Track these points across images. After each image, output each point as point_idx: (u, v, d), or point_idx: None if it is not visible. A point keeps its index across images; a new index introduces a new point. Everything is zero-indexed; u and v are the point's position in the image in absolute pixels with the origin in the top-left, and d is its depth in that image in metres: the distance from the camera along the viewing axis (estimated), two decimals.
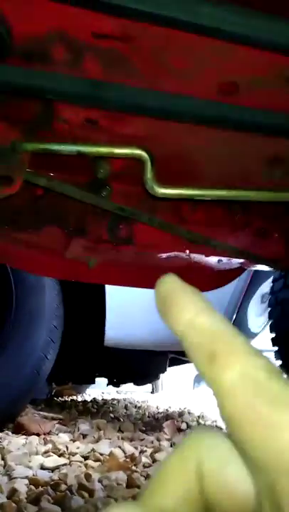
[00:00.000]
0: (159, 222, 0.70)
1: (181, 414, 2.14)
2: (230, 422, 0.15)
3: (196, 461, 0.16)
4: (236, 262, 0.84)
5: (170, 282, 0.19)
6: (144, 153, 0.57)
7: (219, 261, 0.81)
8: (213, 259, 0.81)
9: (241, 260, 0.81)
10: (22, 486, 0.94)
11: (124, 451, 1.27)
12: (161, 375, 2.84)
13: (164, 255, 0.79)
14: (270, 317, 1.66)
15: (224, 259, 0.81)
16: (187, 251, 0.77)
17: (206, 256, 0.78)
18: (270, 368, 0.15)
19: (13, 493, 0.89)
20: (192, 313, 0.17)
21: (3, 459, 1.15)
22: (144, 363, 2.20)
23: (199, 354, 0.16)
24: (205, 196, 0.62)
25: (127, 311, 1.62)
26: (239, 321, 1.79)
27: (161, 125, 0.58)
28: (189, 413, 2.19)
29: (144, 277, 0.93)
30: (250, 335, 1.95)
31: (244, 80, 0.53)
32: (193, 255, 0.79)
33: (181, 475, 0.16)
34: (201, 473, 0.16)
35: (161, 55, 0.49)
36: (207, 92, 0.52)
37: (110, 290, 1.59)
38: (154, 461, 1.22)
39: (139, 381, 2.75)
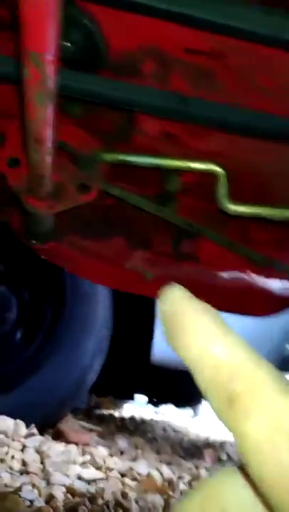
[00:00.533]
0: (226, 240, 0.68)
1: (222, 443, 2.05)
2: (259, 482, 0.12)
3: (218, 510, 0.14)
4: None
5: (177, 297, 0.16)
6: (219, 169, 0.57)
7: (283, 285, 0.78)
8: (276, 283, 0.78)
9: None
10: (59, 494, 0.93)
11: (162, 474, 1.23)
12: (204, 400, 2.75)
13: (225, 275, 0.78)
14: None
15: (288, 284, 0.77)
16: (250, 272, 0.75)
17: (269, 279, 0.76)
18: None
19: (50, 499, 0.89)
20: (205, 341, 0.14)
21: (42, 462, 1.15)
22: (187, 385, 2.15)
23: (215, 395, 0.13)
24: (279, 217, 0.60)
25: None
26: None
27: (238, 142, 0.57)
28: (231, 445, 2.10)
29: (202, 296, 0.91)
30: None
31: None
32: (255, 277, 0.77)
33: None
34: None
35: (249, 73, 0.49)
36: None
37: None
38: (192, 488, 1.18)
39: (180, 403, 2.69)
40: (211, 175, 0.60)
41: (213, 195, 0.61)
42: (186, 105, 0.47)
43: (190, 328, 0.14)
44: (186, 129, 0.57)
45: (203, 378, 0.14)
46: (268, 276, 0.75)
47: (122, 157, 0.57)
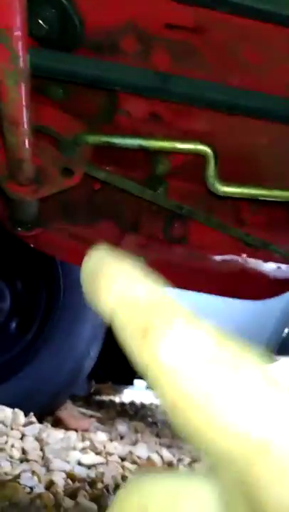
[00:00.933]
0: (217, 222, 0.67)
1: None
2: (174, 412, 0.12)
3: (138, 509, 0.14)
4: None
5: (99, 255, 0.15)
6: (208, 149, 0.55)
7: (278, 268, 0.77)
8: (271, 266, 0.77)
9: None
10: (60, 479, 0.94)
11: (162, 457, 1.25)
12: None
13: (218, 258, 0.77)
14: None
15: (283, 266, 0.76)
16: (243, 255, 0.74)
17: (264, 262, 0.75)
18: (218, 333, 0.12)
19: (50, 485, 0.90)
20: (124, 285, 0.14)
21: (41, 450, 1.16)
22: None
23: (130, 331, 0.13)
24: (269, 197, 0.59)
25: None
26: None
27: (226, 121, 0.55)
28: None
29: (195, 280, 0.91)
30: None
31: None
32: (249, 260, 0.76)
33: None
34: None
35: (234, 48, 0.47)
36: (278, 88, 0.50)
37: None
38: (192, 470, 1.19)
39: None
40: (199, 156, 0.59)
41: (202, 177, 0.60)
42: (168, 83, 0.46)
43: (109, 276, 0.14)
44: (172, 108, 0.55)
45: (120, 320, 0.14)
46: (262, 258, 0.74)
47: (105, 139, 0.55)
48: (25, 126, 0.39)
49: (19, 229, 0.66)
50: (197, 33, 0.46)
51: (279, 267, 0.76)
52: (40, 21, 0.43)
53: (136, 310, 0.13)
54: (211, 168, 0.56)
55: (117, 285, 0.14)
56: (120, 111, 0.57)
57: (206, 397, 0.11)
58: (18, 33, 0.30)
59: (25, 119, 0.39)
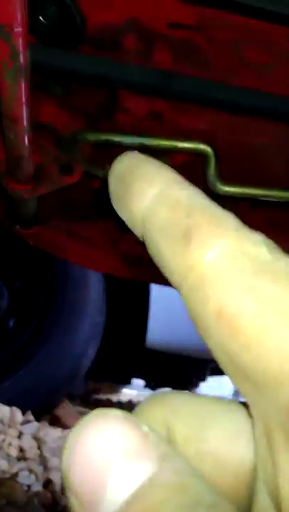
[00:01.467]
0: None
1: None
2: (219, 323, 0.11)
3: (163, 428, 0.13)
4: None
5: (130, 158, 0.14)
6: (208, 149, 0.55)
7: None
8: None
9: None
10: (57, 478, 0.94)
11: None
12: (201, 384, 2.79)
13: None
14: None
15: None
16: None
17: None
18: (270, 243, 0.12)
19: (48, 483, 0.90)
20: (161, 186, 0.12)
21: (39, 448, 1.16)
22: (184, 369, 2.17)
23: (170, 235, 0.12)
24: (270, 197, 0.58)
25: (172, 315, 1.60)
26: None
27: (227, 121, 0.55)
28: None
29: None
30: None
31: None
32: None
33: None
34: (174, 442, 0.12)
35: (237, 47, 0.47)
36: (281, 87, 0.50)
37: (156, 291, 1.58)
38: None
39: (177, 387, 2.72)
40: (200, 155, 0.59)
41: (202, 177, 0.60)
42: (170, 82, 0.45)
43: (144, 178, 0.13)
44: (173, 107, 0.55)
45: (156, 224, 0.12)
46: None
47: (105, 137, 0.55)
48: (25, 123, 0.39)
49: (18, 227, 0.65)
50: (199, 32, 0.45)
51: None
52: (41, 18, 0.42)
53: (179, 211, 0.12)
54: (212, 168, 0.56)
55: (155, 188, 0.13)
56: (120, 108, 0.57)
57: (257, 311, 0.10)
58: (18, 30, 0.30)
59: (24, 116, 0.39)
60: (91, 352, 1.51)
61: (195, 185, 0.62)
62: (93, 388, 2.77)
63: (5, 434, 1.24)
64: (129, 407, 2.53)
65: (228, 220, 0.12)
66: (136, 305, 1.73)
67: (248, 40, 0.46)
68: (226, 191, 0.57)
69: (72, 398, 2.26)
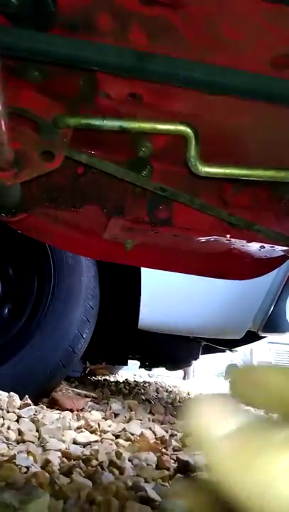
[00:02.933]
0: (200, 203, 0.67)
1: None
2: None
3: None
4: (279, 249, 0.80)
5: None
6: (188, 130, 0.55)
7: (261, 247, 0.78)
8: (255, 246, 0.78)
9: (285, 248, 0.78)
10: (55, 458, 0.96)
11: (154, 433, 1.28)
12: (194, 362, 2.84)
13: (203, 239, 0.77)
14: None
15: (267, 246, 0.77)
16: (228, 235, 0.74)
17: (248, 242, 0.75)
18: None
19: (46, 464, 0.92)
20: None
21: (37, 431, 1.19)
22: (177, 349, 2.20)
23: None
24: (251, 176, 0.59)
25: (163, 296, 1.62)
26: (276, 314, 1.74)
27: (207, 102, 0.55)
28: None
29: (182, 261, 0.91)
30: (287, 328, 1.90)
31: None
32: (233, 240, 0.76)
33: None
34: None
35: (212, 23, 0.46)
36: (259, 65, 0.49)
37: (146, 274, 1.59)
38: (184, 445, 1.23)
39: (171, 366, 2.76)
40: (181, 137, 0.58)
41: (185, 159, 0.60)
42: (145, 62, 0.45)
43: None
44: (152, 88, 0.54)
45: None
46: (246, 239, 0.75)
47: (85, 121, 0.54)
48: (0, 107, 0.39)
49: (3, 214, 0.65)
50: (173, 9, 0.44)
51: (262, 247, 0.76)
52: None
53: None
54: (192, 149, 0.55)
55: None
56: (100, 92, 0.56)
57: None
58: None
59: None
60: (86, 335, 1.52)
61: (177, 167, 0.62)
62: (90, 370, 2.81)
63: (3, 418, 1.26)
64: (125, 387, 2.57)
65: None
66: (128, 287, 1.75)
67: (223, 16, 0.45)
68: (207, 172, 0.57)
69: (70, 381, 2.29)
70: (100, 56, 0.45)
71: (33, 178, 0.66)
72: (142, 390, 2.52)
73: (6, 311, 1.64)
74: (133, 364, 2.97)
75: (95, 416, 1.45)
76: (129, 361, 2.67)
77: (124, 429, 1.28)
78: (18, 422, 1.25)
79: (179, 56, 0.47)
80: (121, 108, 0.57)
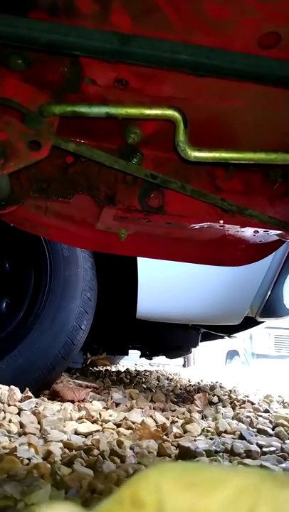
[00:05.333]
0: (192, 189, 0.66)
1: (212, 387, 2.14)
2: None
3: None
4: (274, 233, 0.79)
5: None
6: (176, 114, 0.54)
7: (255, 232, 0.77)
8: (248, 231, 0.77)
9: (279, 232, 0.77)
10: (57, 449, 0.97)
11: (155, 420, 1.29)
12: (194, 350, 2.85)
13: (196, 226, 0.76)
14: None
15: (261, 231, 0.77)
16: (221, 221, 0.74)
17: (241, 227, 0.75)
18: None
19: (48, 455, 0.93)
20: None
21: (39, 423, 1.19)
22: (176, 337, 2.21)
23: None
24: (241, 160, 0.58)
25: (160, 285, 1.62)
26: (274, 299, 1.74)
27: (195, 85, 0.54)
28: (221, 387, 2.20)
29: (177, 250, 0.91)
30: (285, 312, 1.91)
31: (287, 31, 0.48)
32: (227, 226, 0.76)
33: None
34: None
35: (197, 2, 0.45)
36: (245, 44, 0.48)
37: (143, 264, 1.58)
38: (185, 431, 1.23)
39: (171, 354, 2.78)
40: (170, 122, 0.57)
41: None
42: (128, 44, 0.44)
43: None
44: (138, 73, 0.53)
45: None
46: (239, 224, 0.74)
47: (71, 108, 0.53)
48: None
49: None
50: None
51: (257, 232, 0.76)
52: None
53: None
54: (181, 133, 0.54)
55: None
56: (85, 79, 0.55)
57: None
58: None
59: None
60: (84, 327, 1.52)
61: (168, 153, 0.61)
62: (91, 361, 2.82)
63: (5, 411, 1.27)
64: (126, 376, 2.59)
65: None
66: (125, 278, 1.74)
67: None
68: (197, 157, 0.56)
69: (71, 372, 2.31)
70: (82, 40, 0.44)
71: (22, 169, 0.65)
72: (143, 379, 2.53)
73: (4, 305, 1.64)
74: (134, 354, 2.98)
75: (96, 406, 1.46)
76: (130, 351, 2.68)
77: (125, 418, 1.29)
78: (19, 415, 1.25)
79: (164, 38, 0.46)
80: (108, 94, 0.56)
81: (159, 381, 2.52)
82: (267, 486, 0.14)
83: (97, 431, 1.17)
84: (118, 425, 1.25)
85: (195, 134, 0.58)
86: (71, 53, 0.45)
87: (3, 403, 1.33)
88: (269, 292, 1.68)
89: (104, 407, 1.46)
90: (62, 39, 0.43)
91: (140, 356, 2.83)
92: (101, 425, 1.23)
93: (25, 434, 1.11)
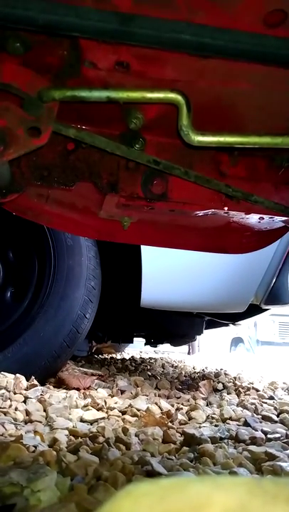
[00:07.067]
0: (196, 175, 0.65)
1: (217, 374, 2.15)
2: None
3: None
4: (279, 220, 0.78)
5: None
6: (179, 97, 0.52)
7: (260, 219, 0.76)
8: (253, 218, 0.76)
9: (285, 218, 0.76)
10: (62, 437, 0.98)
11: (160, 407, 1.30)
12: (198, 337, 2.86)
13: (200, 213, 0.75)
14: None
15: (266, 218, 0.75)
16: (225, 208, 0.73)
17: (246, 214, 0.73)
18: None
19: (53, 443, 0.94)
20: None
21: (45, 410, 1.20)
22: (181, 325, 2.21)
23: None
24: (246, 144, 0.56)
25: (164, 273, 1.61)
26: (278, 286, 1.73)
27: (198, 67, 0.52)
28: (226, 374, 2.21)
29: (181, 237, 0.90)
30: None
31: None
32: (232, 213, 0.75)
33: None
34: None
35: None
36: (250, 23, 0.46)
37: (146, 252, 1.58)
38: (190, 418, 1.24)
39: (175, 342, 2.79)
40: (173, 106, 0.56)
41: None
42: (129, 25, 0.42)
43: None
44: (140, 55, 0.51)
45: None
46: (244, 211, 0.73)
47: (71, 93, 0.52)
48: None
49: None
50: None
51: (262, 218, 0.74)
52: None
53: None
54: (184, 117, 0.53)
55: None
56: (86, 62, 0.53)
57: None
58: None
59: None
60: (89, 315, 1.53)
61: (171, 138, 0.59)
62: (96, 349, 2.84)
63: (11, 400, 1.28)
64: (131, 364, 2.60)
65: None
66: (129, 266, 1.74)
67: None
68: (200, 141, 0.55)
69: (77, 360, 2.32)
70: (81, 20, 0.42)
71: (22, 157, 0.64)
72: (148, 367, 2.55)
73: (8, 294, 1.64)
74: (139, 341, 3.00)
75: (102, 393, 1.47)
76: (135, 339, 2.69)
77: (130, 405, 1.30)
78: (25, 403, 1.27)
79: (166, 17, 0.44)
80: (109, 78, 0.55)
81: (163, 368, 2.54)
82: (256, 504, 0.12)
83: (103, 418, 1.18)
84: (123, 412, 1.25)
85: (198, 118, 0.57)
86: (70, 35, 0.44)
87: (9, 391, 1.34)
88: (274, 279, 1.66)
89: (109, 395, 1.47)
90: (60, 19, 0.42)
91: (145, 344, 2.85)
92: (106, 412, 1.24)
93: (31, 421, 1.12)
